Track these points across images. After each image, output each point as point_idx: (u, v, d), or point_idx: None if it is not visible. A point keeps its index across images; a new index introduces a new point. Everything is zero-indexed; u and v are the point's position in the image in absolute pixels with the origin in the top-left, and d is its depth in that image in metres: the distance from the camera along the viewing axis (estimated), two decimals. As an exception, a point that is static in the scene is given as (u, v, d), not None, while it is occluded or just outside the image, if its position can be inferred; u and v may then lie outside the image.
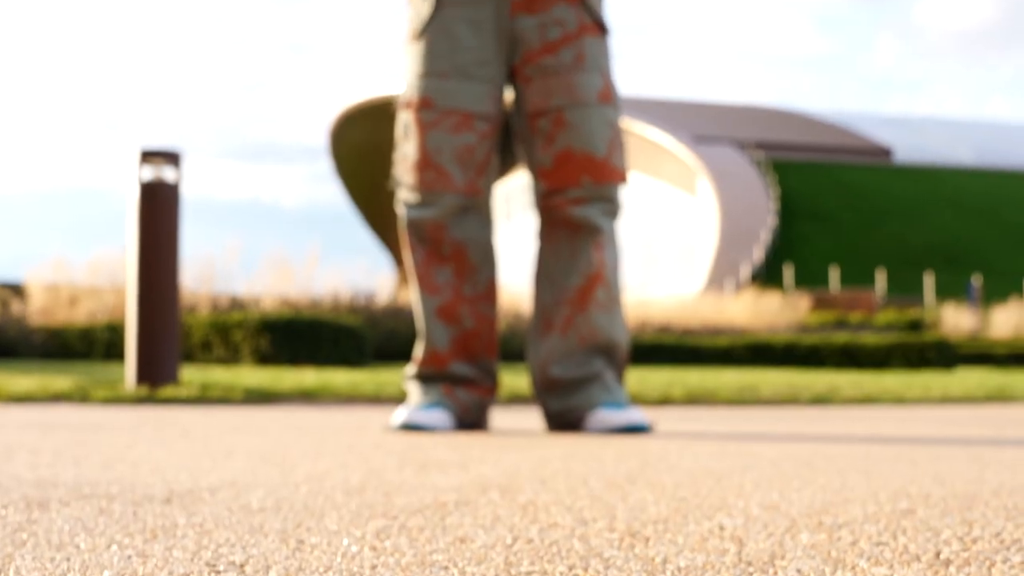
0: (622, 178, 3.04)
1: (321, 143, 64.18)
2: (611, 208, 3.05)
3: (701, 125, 54.00)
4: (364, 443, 2.56)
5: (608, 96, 3.02)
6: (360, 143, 57.45)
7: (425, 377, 3.08)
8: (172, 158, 5.14)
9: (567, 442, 2.65)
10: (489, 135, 3.02)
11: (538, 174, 3.04)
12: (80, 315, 12.40)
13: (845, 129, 59.85)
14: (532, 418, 3.63)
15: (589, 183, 2.99)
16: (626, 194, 3.15)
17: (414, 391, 3.10)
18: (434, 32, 3.00)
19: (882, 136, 59.20)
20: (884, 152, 57.55)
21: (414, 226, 3.05)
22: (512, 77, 3.04)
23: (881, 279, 38.40)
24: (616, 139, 3.03)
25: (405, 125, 3.03)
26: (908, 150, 58.06)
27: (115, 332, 10.51)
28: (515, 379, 5.48)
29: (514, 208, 53.83)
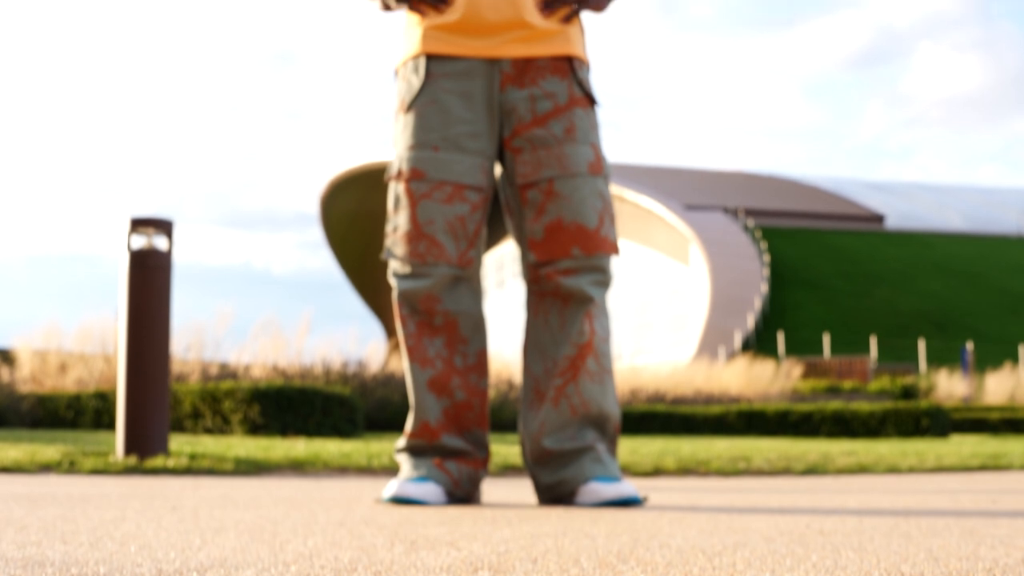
0: (613, 249, 3.04)
1: (313, 210, 64.42)
2: (602, 279, 3.05)
3: (692, 192, 54.33)
4: (354, 518, 2.54)
5: (598, 168, 3.04)
6: (349, 211, 57.71)
7: (415, 450, 3.07)
8: (164, 226, 5.15)
9: (558, 516, 2.63)
10: (480, 206, 3.03)
11: (528, 245, 3.04)
12: (69, 382, 12.36)
13: (836, 195, 60.23)
14: (523, 489, 3.61)
15: (580, 254, 2.99)
16: (617, 264, 3.16)
17: (405, 464, 3.09)
18: (425, 104, 3.01)
19: (872, 202, 59.57)
20: (875, 218, 57.87)
21: (406, 297, 3.04)
22: (502, 149, 3.06)
23: (873, 346, 38.42)
24: (607, 210, 3.04)
25: (396, 196, 3.03)
26: (898, 216, 58.41)
27: (104, 400, 10.47)
28: (506, 448, 5.46)
29: (506, 276, 53.88)
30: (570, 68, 3.05)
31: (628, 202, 47.57)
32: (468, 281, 3.07)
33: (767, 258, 47.95)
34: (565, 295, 3.01)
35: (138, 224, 5.11)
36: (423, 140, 3.00)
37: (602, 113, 3.15)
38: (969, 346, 30.76)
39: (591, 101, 3.08)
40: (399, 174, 3.02)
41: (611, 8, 3.15)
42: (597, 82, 3.16)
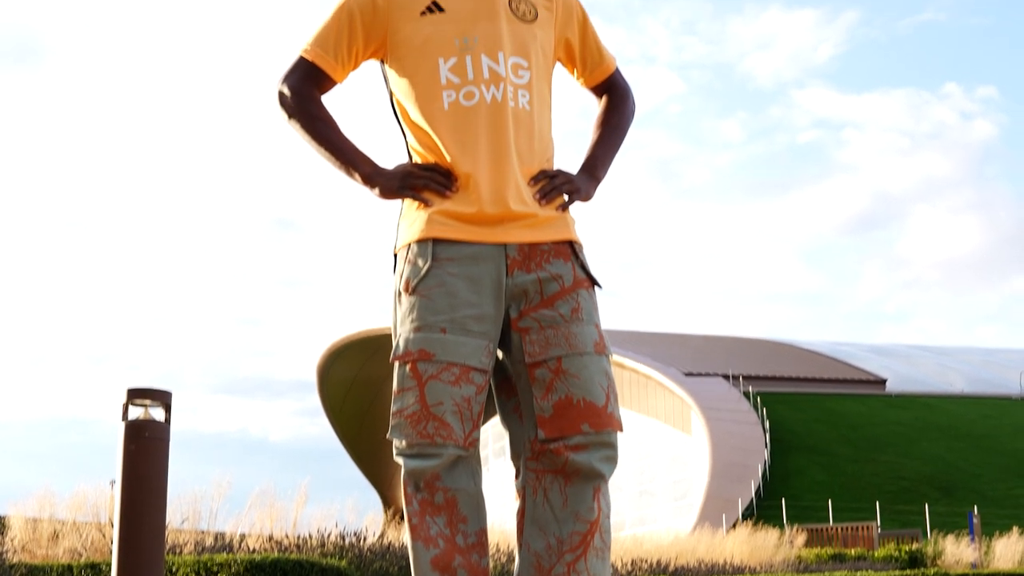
0: (619, 426, 3.04)
1: (311, 377, 64.49)
2: (611, 455, 3.03)
3: (692, 359, 54.47)
4: None
5: (602, 347, 3.06)
6: (347, 378, 57.69)
7: (415, 631, 2.99)
8: (161, 397, 5.12)
9: None
10: (484, 388, 3.02)
11: (536, 422, 3.03)
12: (61, 552, 12.16)
13: (835, 359, 60.34)
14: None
15: (590, 430, 2.97)
16: (619, 435, 3.14)
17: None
18: (432, 287, 3.02)
19: (873, 366, 59.63)
20: (876, 382, 57.84)
21: (412, 476, 3.01)
22: (506, 329, 3.07)
23: (878, 511, 37.98)
24: (611, 388, 3.05)
25: (402, 377, 3.00)
26: (899, 379, 58.38)
27: (96, 572, 10.26)
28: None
29: (507, 445, 53.59)
30: (572, 251, 3.11)
31: (628, 369, 47.70)
32: (467, 460, 3.04)
33: (768, 424, 47.73)
34: (572, 471, 2.98)
35: (135, 395, 5.08)
36: (430, 322, 2.99)
37: (602, 283, 3.19)
38: (975, 510, 30.40)
39: (593, 283, 3.13)
40: (406, 355, 3.00)
41: (596, 194, 3.28)
42: (597, 250, 3.21)
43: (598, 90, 3.46)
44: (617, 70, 3.46)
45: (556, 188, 3.14)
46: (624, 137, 3.43)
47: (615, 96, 3.45)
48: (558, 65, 3.37)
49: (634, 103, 3.49)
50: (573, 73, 3.43)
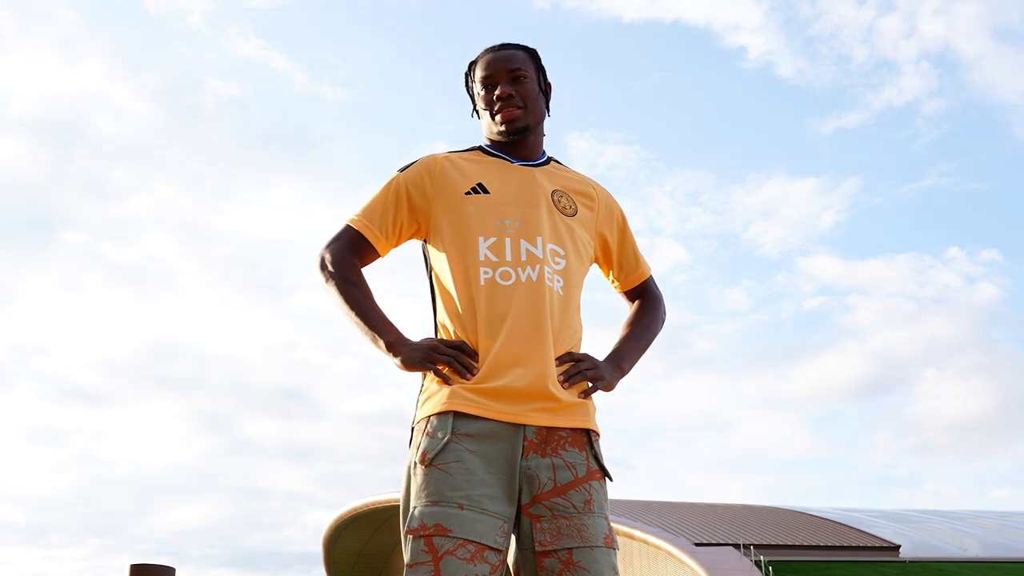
0: None
1: (317, 550, 63.34)
2: None
3: (702, 528, 53.73)
4: None
5: (611, 541, 3.04)
6: (354, 551, 56.72)
7: None
8: (165, 573, 5.07)
9: None
10: (497, 568, 2.97)
11: None
12: None
13: (848, 527, 59.50)
14: None
15: None
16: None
17: None
18: (450, 462, 2.98)
19: (885, 532, 58.78)
20: (890, 548, 56.93)
21: None
22: (518, 513, 3.03)
23: None
24: None
25: (416, 551, 2.93)
26: (913, 545, 57.44)
27: None
28: None
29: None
30: (588, 441, 3.10)
31: (637, 539, 47.01)
32: None
33: (781, 593, 46.76)
34: None
35: (138, 572, 5.04)
36: (448, 497, 2.94)
37: (615, 459, 3.18)
38: None
39: (605, 475, 3.12)
40: (421, 528, 2.93)
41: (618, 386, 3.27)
42: (608, 421, 3.22)
43: (631, 295, 3.53)
44: (651, 278, 3.53)
45: (581, 372, 3.15)
46: (652, 340, 3.46)
47: (647, 301, 3.52)
48: (594, 267, 3.43)
49: (665, 312, 3.53)
50: (608, 276, 3.49)
